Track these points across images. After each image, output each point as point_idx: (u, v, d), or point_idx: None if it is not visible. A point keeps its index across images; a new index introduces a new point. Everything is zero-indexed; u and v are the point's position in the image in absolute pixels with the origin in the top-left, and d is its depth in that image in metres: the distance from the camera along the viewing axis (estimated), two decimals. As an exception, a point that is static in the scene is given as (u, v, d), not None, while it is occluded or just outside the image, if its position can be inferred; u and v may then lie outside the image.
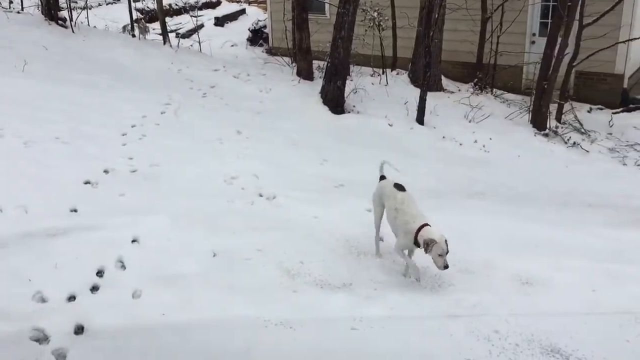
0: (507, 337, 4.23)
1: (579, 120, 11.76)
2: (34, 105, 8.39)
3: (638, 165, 10.06)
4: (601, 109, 13.18)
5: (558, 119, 11.85)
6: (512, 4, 13.10)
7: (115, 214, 5.73)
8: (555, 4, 11.58)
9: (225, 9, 23.16)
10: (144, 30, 15.08)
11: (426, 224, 4.76)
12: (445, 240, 4.62)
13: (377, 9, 13.42)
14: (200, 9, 20.96)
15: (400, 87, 12.56)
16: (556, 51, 10.99)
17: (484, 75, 13.45)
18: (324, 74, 11.34)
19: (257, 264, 5.19)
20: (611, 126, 12.00)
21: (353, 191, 7.41)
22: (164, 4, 14.61)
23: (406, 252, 5.10)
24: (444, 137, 10.31)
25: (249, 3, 24.31)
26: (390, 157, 9.02)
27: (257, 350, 3.93)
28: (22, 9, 14.11)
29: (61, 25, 12.68)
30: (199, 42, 14.47)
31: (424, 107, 10.64)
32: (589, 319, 4.59)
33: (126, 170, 6.97)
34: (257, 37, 19.04)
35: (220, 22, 21.51)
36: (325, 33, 12.91)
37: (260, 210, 6.43)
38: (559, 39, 10.93)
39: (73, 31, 12.58)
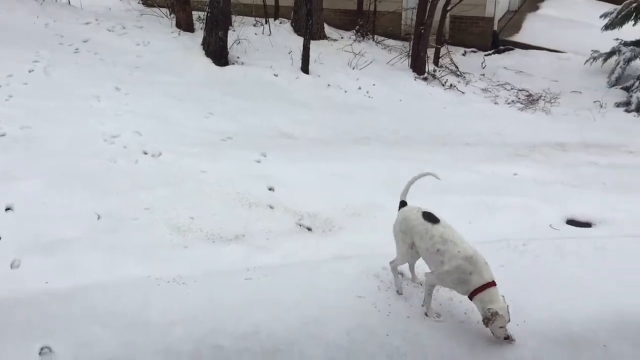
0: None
1: (454, 63, 12.30)
2: None
3: (508, 104, 10.75)
4: (474, 51, 13.85)
5: (436, 62, 12.33)
6: (388, -50, 13.25)
7: (-17, 182, 5.30)
8: (429, -51, 11.83)
9: (92, -44, 21.53)
10: (1, -19, 13.67)
11: (492, 283, 3.64)
12: (507, 308, 3.64)
13: (255, -45, 13.06)
14: (64, -44, 19.29)
15: (283, 36, 12.43)
16: (431, -4, 11.32)
17: (365, 22, 13.62)
18: (204, 25, 10.95)
19: (145, 223, 5.05)
20: (484, 67, 12.67)
21: (241, 143, 7.35)
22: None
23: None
24: (329, 85, 10.40)
25: (119, -50, 22.72)
26: (276, 107, 9.07)
27: (150, 309, 3.87)
28: None
29: None
30: (66, -7, 13.41)
31: (308, 56, 10.64)
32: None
33: (-7, 135, 6.44)
34: (130, -13, 17.88)
35: (88, -29, 19.99)
36: (203, -19, 12.42)
37: (146, 168, 6.21)
38: (434, -15, 11.24)
39: None
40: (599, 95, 11.28)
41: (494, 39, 14.12)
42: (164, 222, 5.09)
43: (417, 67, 11.62)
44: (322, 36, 13.07)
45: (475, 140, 8.71)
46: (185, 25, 12.05)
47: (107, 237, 4.74)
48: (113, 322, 3.70)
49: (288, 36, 12.57)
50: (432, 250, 3.74)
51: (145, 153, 6.55)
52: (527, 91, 11.43)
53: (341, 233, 5.25)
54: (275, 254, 4.77)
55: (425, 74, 11.56)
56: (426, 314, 3.89)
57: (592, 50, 12.44)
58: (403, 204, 4.12)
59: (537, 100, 10.98)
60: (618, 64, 11.98)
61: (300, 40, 10.96)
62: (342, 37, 13.34)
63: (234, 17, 12.76)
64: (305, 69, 10.66)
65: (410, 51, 11.95)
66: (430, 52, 12.10)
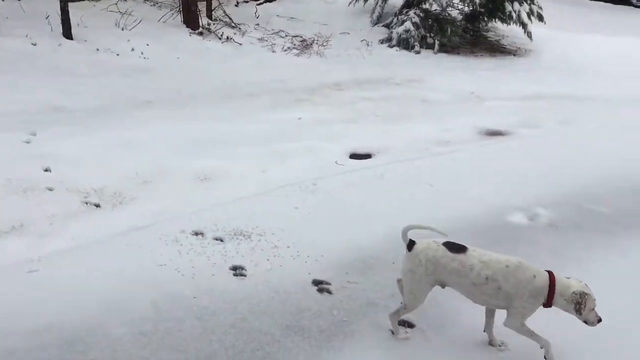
0: (194, 234, 4.38)
1: (228, 15, 12.21)
2: None
3: (285, 51, 11.04)
4: (246, 1, 13.85)
5: (209, 16, 12.11)
6: None
7: None
8: None
9: None
10: None
11: (552, 272, 3.24)
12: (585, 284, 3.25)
13: None
14: None
15: (36, 0, 11.17)
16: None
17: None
18: None
19: None
20: (257, 17, 12.77)
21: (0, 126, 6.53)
22: None
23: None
24: (97, 49, 9.67)
25: None
26: (40, 80, 8.19)
27: None
28: None
29: None
30: None
31: (69, 20, 9.72)
32: (263, 198, 5.04)
33: None
34: None
35: None
36: None
37: None
38: None
39: None
40: (365, 34, 12.10)
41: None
42: None
43: (190, 22, 11.31)
44: (82, -4, 12.02)
45: (258, 89, 8.82)
46: None
47: None
48: None
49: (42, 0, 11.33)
50: (479, 281, 3.21)
51: None
52: (301, 37, 11.82)
53: (134, 204, 5.00)
54: (64, 239, 4.39)
55: (200, 29, 11.31)
56: (545, 357, 3.20)
57: (354, -8, 13.20)
58: (412, 243, 3.34)
59: (311, 44, 11.42)
60: (377, 3, 12.90)
61: (56, 3, 9.94)
62: (104, -4, 12.40)
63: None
64: (67, 34, 9.75)
65: (181, 6, 11.56)
66: (203, 6, 11.83)
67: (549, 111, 8.15)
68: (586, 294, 3.11)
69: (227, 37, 11.21)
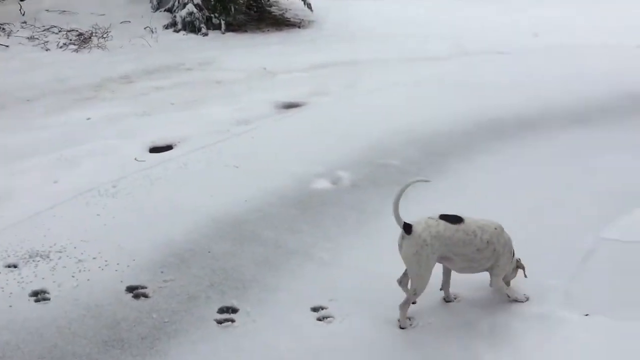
0: (-18, 266, 3.90)
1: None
2: None
3: (61, 47, 10.16)
4: (5, -2, 12.45)
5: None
6: None
7: None
8: None
9: None
10: None
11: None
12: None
13: None
14: None
15: None
16: None
17: None
18: None
19: None
20: (23, 14, 11.54)
21: None
22: None
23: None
24: None
25: None
26: None
27: None
28: None
29: None
30: None
31: None
32: (58, 211, 4.63)
33: None
34: None
35: None
36: None
37: None
38: None
39: None
40: (148, 21, 11.59)
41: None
42: None
43: (-60, 26, 9.89)
44: None
45: (36, 93, 8.01)
46: None
47: None
48: None
49: None
50: (482, 246, 3.32)
51: None
52: (77, 30, 10.94)
53: None
54: None
55: (-46, 33, 9.95)
56: (516, 299, 3.52)
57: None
58: (408, 226, 3.24)
59: (90, 38, 10.65)
60: (156, -13, 12.41)
61: None
62: None
63: None
64: None
65: None
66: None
67: (335, 77, 8.57)
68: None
69: (-10, 40, 10.01)
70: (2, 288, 3.66)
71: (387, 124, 6.62)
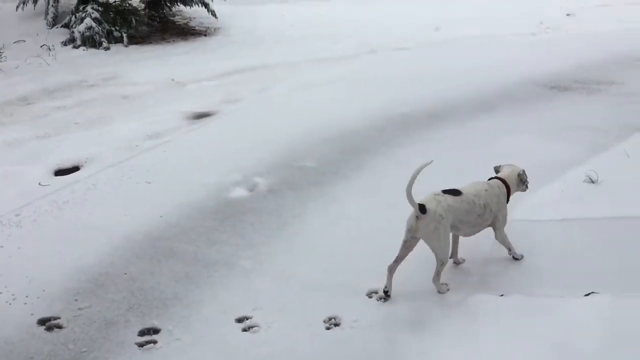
0: None
1: None
2: None
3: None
4: None
5: None
6: None
7: None
8: None
9: None
10: None
11: (496, 178, 3.92)
12: None
13: None
14: None
15: None
16: None
17: None
18: None
19: None
20: None
21: None
22: None
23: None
24: None
25: None
26: None
27: None
28: None
29: None
30: None
31: None
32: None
33: None
34: None
35: None
36: None
37: None
38: None
39: None
40: (44, 39, 11.07)
41: None
42: None
43: None
44: None
45: None
46: None
47: None
48: None
49: None
50: (481, 211, 3.68)
51: None
52: (-34, 53, 10.29)
53: None
54: None
55: None
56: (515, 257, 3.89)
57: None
58: (422, 206, 3.44)
59: (-19, 60, 10.04)
60: (49, 3, 11.87)
61: None
62: None
63: None
64: None
65: None
66: None
67: (246, 83, 8.51)
68: (524, 170, 3.93)
69: None
70: None
71: (301, 125, 6.63)
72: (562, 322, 3.19)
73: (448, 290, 3.60)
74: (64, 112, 7.62)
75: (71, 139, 6.59)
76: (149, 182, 5.37)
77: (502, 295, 3.50)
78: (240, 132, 6.61)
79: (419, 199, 3.47)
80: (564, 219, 4.38)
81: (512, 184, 3.86)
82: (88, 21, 11.08)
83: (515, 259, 3.88)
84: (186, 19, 13.33)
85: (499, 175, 3.90)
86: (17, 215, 4.75)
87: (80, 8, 11.56)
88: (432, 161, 3.44)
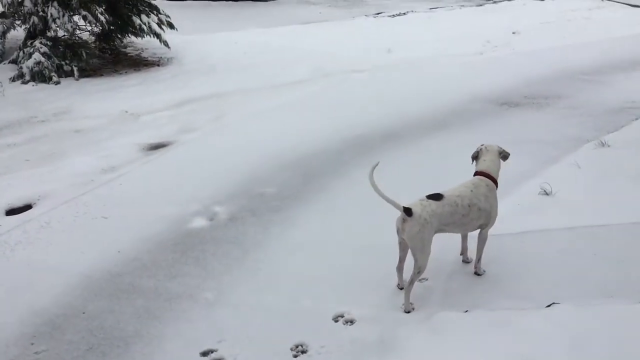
0: None
1: None
2: None
3: None
4: None
5: None
6: None
7: None
8: None
9: None
10: None
11: (480, 172, 3.97)
12: None
13: None
14: None
15: None
16: None
17: None
18: None
19: None
20: None
21: None
22: None
23: None
24: None
25: None
26: None
27: None
28: None
29: None
30: None
31: None
32: None
33: None
34: None
35: None
36: None
37: None
38: None
39: None
40: (-9, 75, 10.80)
41: None
42: None
43: None
44: None
45: None
46: None
47: None
48: None
49: None
50: (465, 211, 3.72)
51: None
52: None
53: None
54: None
55: None
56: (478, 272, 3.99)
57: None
58: (409, 209, 3.55)
59: None
60: (-5, 39, 11.61)
61: None
62: None
63: None
64: None
65: None
66: None
67: (201, 112, 8.44)
68: (501, 148, 4.09)
69: None
70: None
71: (259, 152, 6.61)
72: (526, 334, 3.23)
73: (413, 309, 3.61)
74: (14, 149, 7.39)
75: (22, 177, 6.38)
76: (105, 217, 5.25)
77: (466, 311, 3.53)
78: (198, 161, 6.54)
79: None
80: (521, 231, 4.47)
81: (495, 172, 3.93)
82: (37, 56, 10.84)
83: (478, 274, 3.93)
84: (138, 50, 13.20)
85: (482, 169, 3.94)
86: (-35, 260, 4.57)
87: (28, 43, 11.31)
88: (378, 162, 3.59)
